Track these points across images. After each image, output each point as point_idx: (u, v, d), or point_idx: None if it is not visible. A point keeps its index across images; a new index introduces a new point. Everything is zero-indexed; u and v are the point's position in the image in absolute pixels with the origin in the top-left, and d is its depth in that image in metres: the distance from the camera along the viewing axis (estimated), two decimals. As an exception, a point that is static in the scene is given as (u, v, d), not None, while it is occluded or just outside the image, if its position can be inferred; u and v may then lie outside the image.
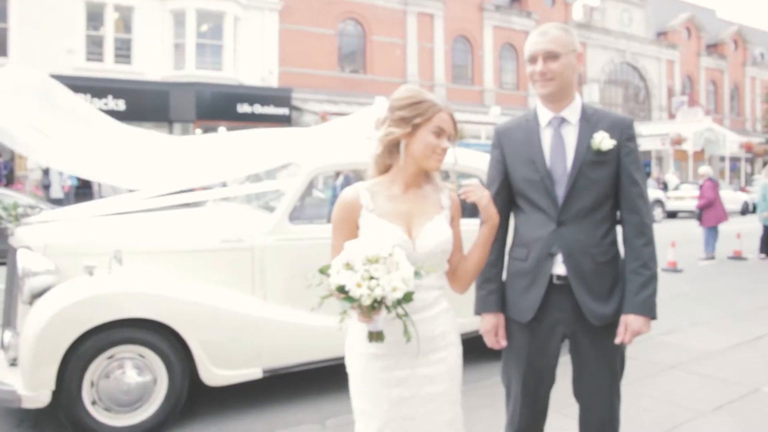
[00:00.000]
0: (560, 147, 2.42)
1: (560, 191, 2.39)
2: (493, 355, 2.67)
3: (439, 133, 2.17)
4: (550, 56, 2.36)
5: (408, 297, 1.88)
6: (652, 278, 2.39)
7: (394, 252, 1.91)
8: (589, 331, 2.41)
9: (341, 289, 1.86)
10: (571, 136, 2.42)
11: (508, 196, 2.53)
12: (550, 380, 2.55)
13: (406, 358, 2.12)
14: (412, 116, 2.16)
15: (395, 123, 2.19)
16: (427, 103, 2.17)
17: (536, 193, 2.42)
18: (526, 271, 2.45)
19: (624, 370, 2.56)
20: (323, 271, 1.95)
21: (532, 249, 2.43)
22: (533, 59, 2.41)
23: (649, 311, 2.37)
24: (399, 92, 2.25)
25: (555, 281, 2.40)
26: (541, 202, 2.41)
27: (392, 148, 2.22)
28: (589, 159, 2.37)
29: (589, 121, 2.42)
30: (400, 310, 1.91)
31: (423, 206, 2.22)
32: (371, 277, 1.86)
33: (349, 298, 1.85)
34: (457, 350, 2.26)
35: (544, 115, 2.48)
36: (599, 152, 2.37)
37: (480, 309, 2.55)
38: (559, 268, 2.40)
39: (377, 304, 1.86)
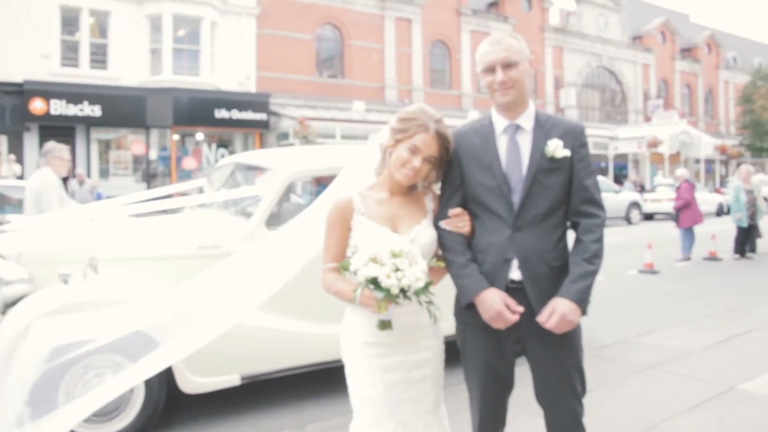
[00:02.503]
0: (516, 154, 2.46)
1: (516, 197, 2.42)
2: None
3: (414, 150, 2.38)
4: (509, 65, 2.41)
5: (427, 286, 2.17)
6: (593, 273, 2.40)
7: (412, 248, 2.20)
8: (540, 334, 2.42)
9: (373, 281, 2.12)
10: (525, 143, 2.46)
11: (463, 199, 2.54)
12: (510, 383, 2.60)
13: (398, 346, 2.39)
14: (399, 130, 2.42)
15: (390, 133, 2.46)
16: (416, 122, 2.39)
17: (493, 199, 2.44)
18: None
19: (584, 378, 2.56)
20: (344, 266, 2.24)
21: (488, 254, 2.44)
22: (490, 69, 2.45)
23: (580, 301, 2.36)
24: (407, 108, 2.51)
25: (509, 285, 2.42)
26: (497, 207, 2.43)
27: (384, 156, 2.49)
28: (543, 166, 2.42)
29: (543, 128, 2.47)
30: (424, 297, 2.19)
31: (409, 210, 2.48)
32: (397, 269, 2.12)
33: (380, 288, 2.11)
34: (441, 340, 2.56)
35: (500, 122, 2.51)
36: (553, 159, 2.41)
37: (475, 288, 2.40)
38: (515, 273, 2.42)
39: (402, 293, 2.12)
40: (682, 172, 13.32)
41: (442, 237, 2.48)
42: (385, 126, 2.54)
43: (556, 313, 2.34)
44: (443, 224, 2.48)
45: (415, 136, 2.38)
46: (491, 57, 2.44)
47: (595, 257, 2.40)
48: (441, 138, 2.41)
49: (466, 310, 2.49)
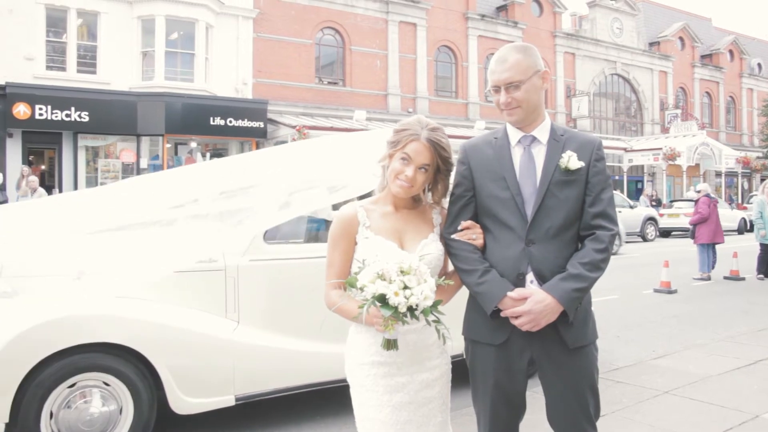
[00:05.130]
0: (530, 165, 2.51)
1: (529, 209, 2.46)
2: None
3: (407, 160, 2.45)
4: (512, 85, 2.47)
5: (436, 305, 2.22)
6: (587, 281, 2.38)
7: (421, 266, 2.24)
8: (554, 353, 2.45)
9: (381, 298, 2.15)
10: (540, 154, 2.52)
11: (475, 212, 2.58)
12: (521, 407, 2.61)
13: (405, 366, 2.43)
14: (392, 142, 2.49)
15: (386, 147, 2.53)
16: (407, 132, 2.48)
17: (505, 211, 2.48)
18: None
19: (598, 400, 2.58)
20: (351, 282, 2.28)
21: (501, 269, 2.46)
22: (496, 89, 2.51)
23: (566, 302, 2.35)
24: (404, 119, 2.58)
25: None
26: (510, 220, 2.47)
27: (384, 170, 2.56)
28: (557, 178, 2.46)
29: (558, 141, 2.52)
30: (432, 317, 2.23)
31: (415, 224, 2.54)
32: (405, 287, 2.17)
33: (387, 306, 2.15)
34: (448, 359, 2.58)
35: (515, 134, 2.57)
36: (568, 171, 2.46)
37: (500, 291, 2.41)
38: (530, 289, 2.42)
39: (410, 312, 2.17)
40: (702, 186, 13.37)
41: (456, 249, 2.51)
42: (377, 130, 2.58)
43: (531, 301, 2.34)
44: (456, 236, 2.51)
45: (407, 145, 2.44)
46: (495, 77, 2.51)
47: (595, 267, 2.40)
48: (434, 145, 2.45)
49: (479, 325, 2.52)
